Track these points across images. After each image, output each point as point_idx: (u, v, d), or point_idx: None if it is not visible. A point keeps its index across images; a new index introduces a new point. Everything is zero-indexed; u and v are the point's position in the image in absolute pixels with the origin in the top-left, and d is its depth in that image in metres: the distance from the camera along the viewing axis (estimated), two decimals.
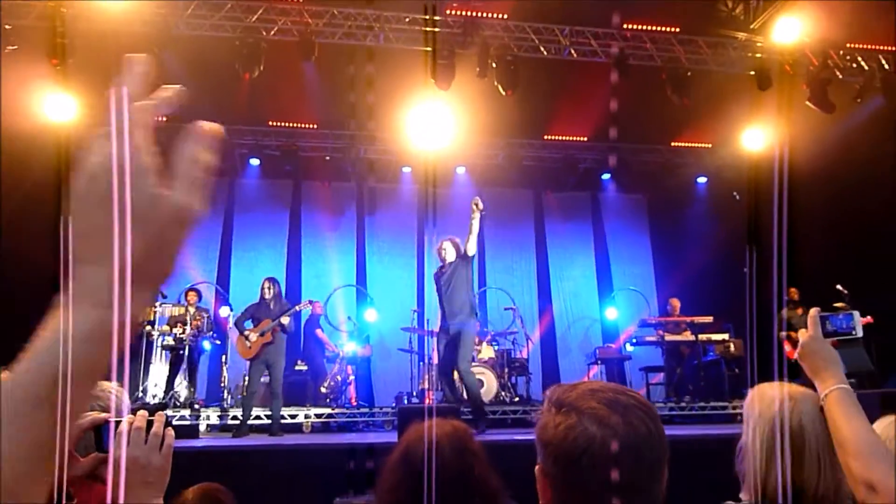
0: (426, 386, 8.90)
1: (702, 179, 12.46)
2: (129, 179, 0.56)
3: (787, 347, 8.57)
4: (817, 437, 1.65)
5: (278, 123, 11.08)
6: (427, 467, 1.60)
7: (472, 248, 6.38)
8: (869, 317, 8.61)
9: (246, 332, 7.22)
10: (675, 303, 9.87)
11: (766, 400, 1.73)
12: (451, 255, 6.49)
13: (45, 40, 8.23)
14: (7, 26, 8.37)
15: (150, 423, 1.28)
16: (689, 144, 11.92)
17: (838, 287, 8.60)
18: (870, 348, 8.81)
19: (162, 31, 8.45)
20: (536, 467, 1.16)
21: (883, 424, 1.84)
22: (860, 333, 1.76)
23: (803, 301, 8.67)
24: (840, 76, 9.83)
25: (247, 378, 7.90)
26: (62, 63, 8.00)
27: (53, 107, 8.47)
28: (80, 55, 7.90)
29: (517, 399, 8.81)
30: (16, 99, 8.15)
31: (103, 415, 1.27)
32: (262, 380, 7.51)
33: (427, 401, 8.41)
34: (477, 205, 6.19)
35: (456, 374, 6.45)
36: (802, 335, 1.65)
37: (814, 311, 1.69)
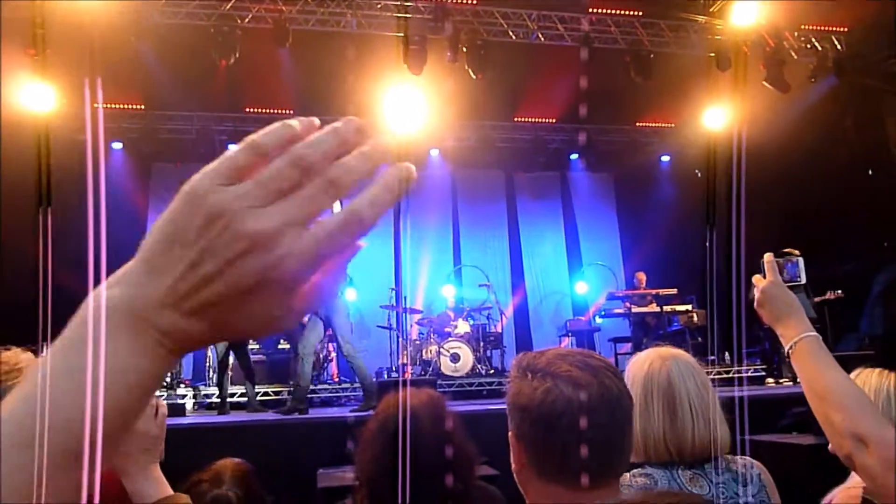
0: (405, 361, 9.24)
1: (665, 158, 12.90)
2: None
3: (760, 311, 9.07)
4: (688, 393, 1.67)
5: (256, 110, 11.25)
6: (404, 435, 1.62)
7: None
8: (840, 291, 9.13)
9: None
10: (642, 276, 10.28)
11: (637, 364, 1.77)
12: None
13: (21, 31, 8.34)
14: None
15: None
16: (653, 124, 12.33)
17: (791, 251, 9.05)
18: (822, 315, 9.33)
19: (137, 21, 8.56)
20: (510, 434, 1.18)
21: (859, 378, 1.82)
22: (804, 279, 1.72)
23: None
24: (795, 57, 10.25)
25: (210, 357, 8.04)
26: (39, 54, 8.10)
27: (32, 97, 8.55)
28: (58, 45, 8.01)
29: (492, 371, 9.15)
30: None
31: None
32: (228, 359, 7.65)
33: (405, 375, 8.75)
34: None
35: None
36: (759, 281, 1.52)
37: (769, 255, 1.55)
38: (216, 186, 0.46)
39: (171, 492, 1.33)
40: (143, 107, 10.83)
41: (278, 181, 0.47)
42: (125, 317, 0.46)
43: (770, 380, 8.37)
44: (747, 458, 1.74)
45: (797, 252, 1.65)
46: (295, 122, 0.50)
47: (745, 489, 1.68)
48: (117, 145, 11.07)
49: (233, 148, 0.48)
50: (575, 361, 1.12)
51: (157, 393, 1.38)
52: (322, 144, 0.49)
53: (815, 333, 1.43)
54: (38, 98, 8.48)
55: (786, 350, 1.45)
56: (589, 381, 1.09)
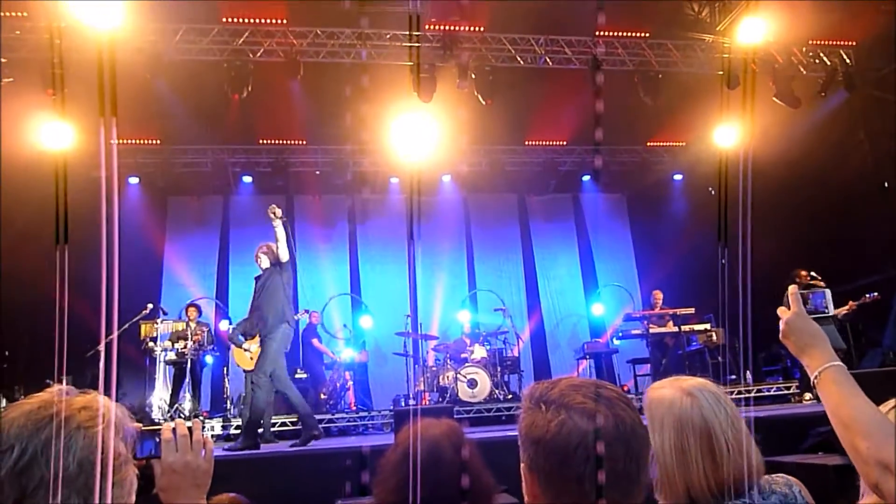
0: (422, 388, 9.21)
1: (678, 176, 12.88)
2: None
3: None
4: (721, 427, 1.63)
5: (268, 141, 11.42)
6: (420, 465, 1.63)
7: (283, 255, 6.22)
8: (852, 303, 9.01)
9: (245, 346, 7.47)
10: (658, 294, 10.20)
11: (663, 403, 1.69)
12: (265, 262, 6.37)
13: (40, 72, 8.54)
14: (3, 60, 8.65)
15: (190, 430, 1.36)
16: (664, 143, 12.34)
17: (812, 273, 8.97)
18: (844, 331, 9.20)
19: (153, 58, 8.73)
20: (522, 465, 1.17)
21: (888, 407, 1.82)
22: (832, 311, 1.70)
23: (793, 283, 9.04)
24: (804, 72, 10.26)
25: (227, 388, 8.16)
26: (58, 93, 8.27)
27: (50, 135, 8.70)
28: (76, 84, 8.18)
29: (510, 396, 9.07)
30: (14, 130, 8.43)
31: (167, 426, 1.38)
32: None
33: (423, 402, 8.71)
34: (274, 213, 6.06)
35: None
36: (783, 313, 1.54)
37: (793, 287, 1.58)
38: None
39: None
40: (159, 141, 11.01)
41: None
42: None
43: (808, 395, 8.14)
44: (784, 476, 1.71)
45: (822, 283, 1.65)
46: None
47: None
48: (134, 180, 11.24)
49: None
50: (588, 393, 1.13)
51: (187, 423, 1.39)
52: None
53: (839, 363, 1.43)
54: (57, 136, 8.62)
55: (811, 380, 1.46)
56: (604, 413, 1.10)
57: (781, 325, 1.53)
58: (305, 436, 6.17)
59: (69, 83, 8.18)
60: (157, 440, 1.34)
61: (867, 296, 8.90)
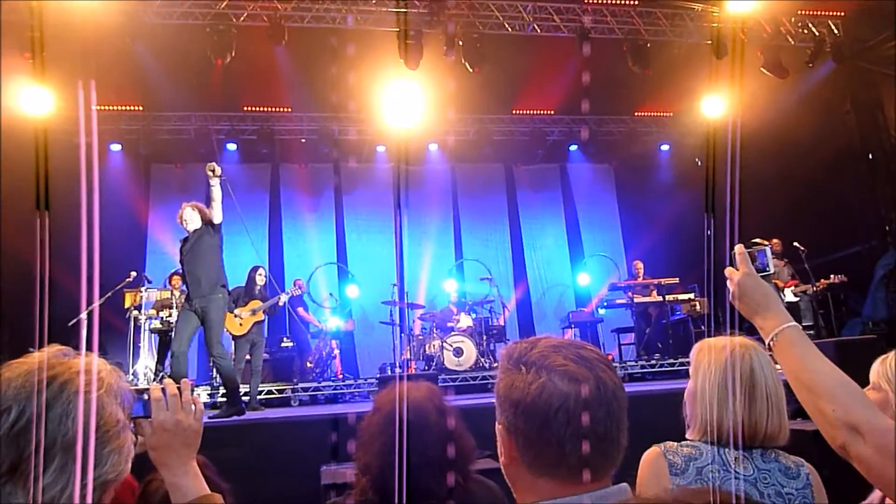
0: (408, 356, 9.27)
1: (665, 147, 12.88)
2: None
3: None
4: (766, 381, 1.76)
5: (253, 108, 11.26)
6: (402, 428, 1.63)
7: (217, 216, 5.95)
8: (843, 275, 9.12)
9: (236, 311, 7.47)
10: (639, 265, 10.26)
11: (715, 349, 1.81)
12: (194, 221, 6.01)
13: (18, 35, 8.34)
14: None
15: (179, 391, 1.36)
16: (652, 113, 12.30)
17: (795, 244, 9.05)
18: (826, 301, 9.34)
19: (133, 21, 8.57)
20: (498, 426, 1.15)
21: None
22: (773, 269, 1.65)
23: (784, 254, 9.12)
24: (792, 42, 10.23)
25: (232, 355, 8.17)
26: (36, 57, 8.10)
27: (29, 100, 8.55)
28: (54, 48, 8.01)
29: (496, 365, 9.16)
30: None
31: (155, 385, 1.37)
32: (244, 357, 7.72)
33: (409, 370, 8.77)
34: (213, 171, 5.78)
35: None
36: (732, 273, 1.49)
37: (739, 247, 1.50)
38: None
39: (207, 488, 1.35)
40: (141, 108, 10.83)
41: None
42: None
43: None
44: (800, 458, 1.81)
45: (765, 242, 1.62)
46: None
47: (790, 481, 1.75)
48: (116, 147, 11.07)
49: None
50: (569, 354, 1.10)
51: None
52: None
53: (794, 324, 1.40)
54: (36, 101, 8.48)
55: (767, 342, 1.43)
56: (584, 374, 1.07)
57: (731, 287, 1.48)
58: (226, 409, 5.95)
59: (48, 47, 8.00)
60: (146, 399, 1.33)
61: (834, 276, 9.06)
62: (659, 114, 12.32)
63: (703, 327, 9.73)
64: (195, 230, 6.03)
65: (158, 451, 1.32)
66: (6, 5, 8.40)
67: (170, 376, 6.70)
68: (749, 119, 9.24)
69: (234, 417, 5.89)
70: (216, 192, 5.90)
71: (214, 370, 7.18)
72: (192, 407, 1.37)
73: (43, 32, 7.95)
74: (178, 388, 1.35)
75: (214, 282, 5.94)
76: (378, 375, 9.42)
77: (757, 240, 1.61)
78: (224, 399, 6.40)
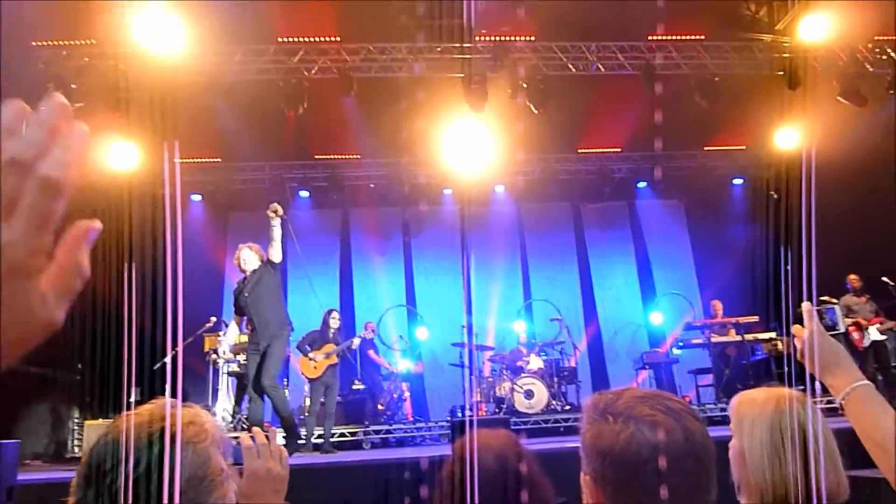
0: (478, 398, 9.20)
1: (738, 181, 12.55)
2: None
3: (854, 335, 8.61)
4: (818, 436, 1.62)
5: (324, 156, 11.66)
6: (488, 478, 1.64)
7: (276, 255, 6.04)
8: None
9: (311, 355, 7.62)
10: (718, 305, 9.95)
11: (758, 403, 1.71)
12: (252, 262, 6.11)
13: (107, 96, 8.94)
14: (73, 86, 9.10)
15: (267, 439, 1.40)
16: (723, 147, 12.03)
17: (884, 279, 8.61)
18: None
19: (213, 80, 9.06)
20: (583, 475, 1.16)
21: None
22: (843, 329, 1.65)
23: (867, 289, 8.69)
24: (870, 69, 9.87)
25: (307, 399, 8.30)
26: (124, 115, 8.65)
27: (117, 156, 9.08)
28: (141, 106, 8.54)
29: (568, 407, 8.98)
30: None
31: (245, 434, 1.41)
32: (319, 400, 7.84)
33: (479, 413, 8.69)
34: (275, 211, 5.90)
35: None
36: (799, 331, 1.46)
37: (806, 304, 1.47)
38: None
39: None
40: (219, 160, 11.36)
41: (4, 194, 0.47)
42: None
43: None
44: None
45: (835, 300, 1.57)
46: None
47: None
48: (196, 197, 11.62)
49: None
50: (656, 405, 1.11)
51: (236, 436, 1.42)
52: (33, 140, 0.48)
53: (866, 382, 1.37)
54: (123, 157, 8.99)
55: (838, 401, 1.40)
56: (672, 425, 1.08)
57: (798, 345, 1.46)
58: (291, 446, 6.00)
59: (134, 106, 8.54)
60: (236, 446, 1.35)
61: None
62: (730, 147, 12.04)
63: (785, 367, 9.28)
64: (253, 270, 6.16)
65: (250, 498, 1.34)
66: (98, 70, 9.04)
67: (247, 418, 6.85)
68: (825, 150, 8.90)
69: (310, 460, 5.96)
70: (276, 232, 6.02)
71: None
72: (280, 454, 1.40)
73: (131, 93, 8.53)
74: (267, 437, 1.38)
75: (282, 320, 6.11)
76: (448, 419, 9.37)
77: (826, 297, 1.57)
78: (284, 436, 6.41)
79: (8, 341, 0.48)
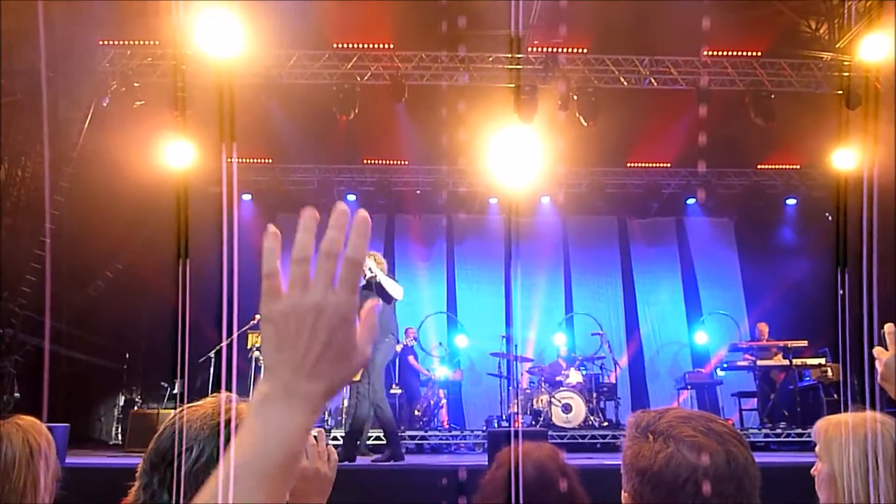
0: (515, 410, 9.14)
1: (791, 201, 12.23)
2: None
3: None
4: None
5: (373, 161, 11.81)
6: (530, 488, 1.65)
7: (396, 293, 6.12)
8: None
9: None
10: (764, 327, 9.70)
11: (850, 427, 1.68)
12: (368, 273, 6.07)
13: (167, 95, 9.22)
14: (135, 84, 9.43)
15: (315, 439, 1.40)
16: (777, 166, 11.78)
17: None
18: None
19: (268, 82, 9.27)
20: (624, 494, 1.15)
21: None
22: None
23: None
24: None
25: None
26: (182, 114, 8.89)
27: (174, 154, 9.33)
28: (199, 106, 8.77)
29: (606, 424, 8.85)
30: (143, 148, 9.15)
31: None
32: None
33: (515, 424, 8.64)
34: (370, 269, 5.92)
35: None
36: (882, 354, 1.44)
37: (889, 326, 1.45)
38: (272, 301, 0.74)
39: None
40: (270, 160, 11.59)
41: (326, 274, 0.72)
42: (281, 397, 0.70)
43: None
44: None
45: None
46: (311, 225, 0.75)
47: None
48: (246, 197, 11.87)
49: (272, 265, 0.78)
50: (699, 426, 1.09)
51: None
52: (333, 237, 0.72)
53: None
54: (180, 155, 9.22)
55: None
56: (714, 448, 1.06)
57: (880, 368, 1.43)
58: (388, 453, 6.04)
59: (192, 106, 8.77)
60: None
61: None
62: (784, 167, 11.77)
63: (835, 395, 9.01)
64: (369, 278, 6.16)
65: (296, 497, 1.33)
66: (159, 69, 9.34)
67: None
68: (885, 171, 8.63)
69: (345, 463, 5.99)
70: (380, 277, 6.06)
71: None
72: (329, 456, 1.40)
73: (189, 92, 8.77)
74: (315, 437, 1.38)
75: (386, 327, 6.05)
76: (485, 428, 9.34)
77: None
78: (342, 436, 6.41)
79: (342, 376, 0.71)
